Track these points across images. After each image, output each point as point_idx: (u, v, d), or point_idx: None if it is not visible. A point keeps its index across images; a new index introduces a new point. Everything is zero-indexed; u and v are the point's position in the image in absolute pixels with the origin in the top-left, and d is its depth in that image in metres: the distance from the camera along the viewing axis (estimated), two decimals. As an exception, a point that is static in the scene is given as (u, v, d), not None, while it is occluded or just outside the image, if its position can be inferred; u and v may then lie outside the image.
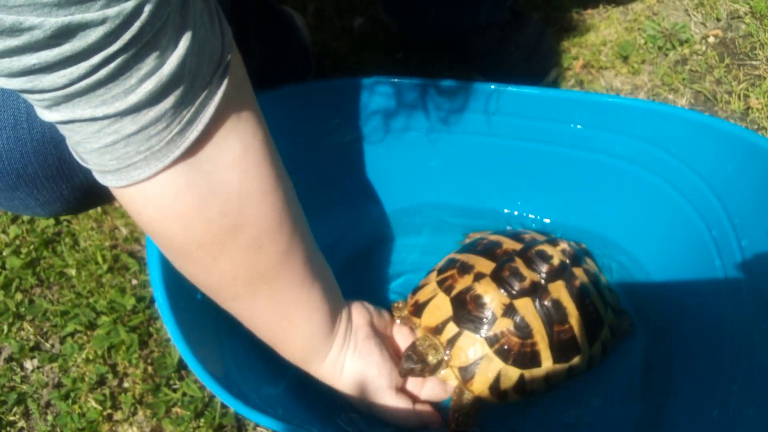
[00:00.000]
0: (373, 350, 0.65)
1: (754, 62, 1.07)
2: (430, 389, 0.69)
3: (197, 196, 0.46)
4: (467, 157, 0.82)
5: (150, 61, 0.38)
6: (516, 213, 0.85)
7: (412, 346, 0.66)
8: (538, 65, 1.02)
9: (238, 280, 0.53)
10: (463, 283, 0.69)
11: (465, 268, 0.71)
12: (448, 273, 0.72)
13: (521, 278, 0.67)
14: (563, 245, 0.72)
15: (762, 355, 0.56)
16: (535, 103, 0.73)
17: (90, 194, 0.62)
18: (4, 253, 0.98)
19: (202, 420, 0.81)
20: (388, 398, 0.65)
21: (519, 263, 0.68)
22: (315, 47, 1.10)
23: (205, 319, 0.65)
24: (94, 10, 0.34)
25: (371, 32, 1.14)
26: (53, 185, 0.58)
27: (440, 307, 0.69)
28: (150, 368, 0.86)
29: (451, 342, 0.66)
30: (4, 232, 1.01)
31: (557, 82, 1.05)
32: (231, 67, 0.45)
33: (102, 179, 0.45)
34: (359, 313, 0.67)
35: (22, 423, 0.85)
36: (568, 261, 0.70)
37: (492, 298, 0.66)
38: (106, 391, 0.85)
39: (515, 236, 0.74)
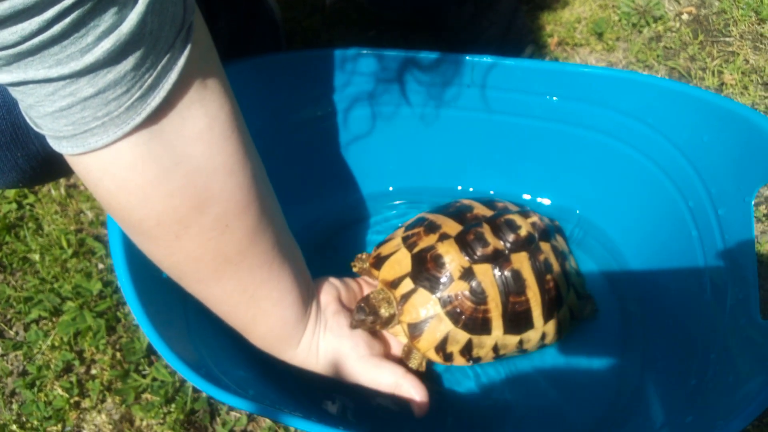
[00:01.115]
0: (343, 324, 0.63)
1: (727, 39, 1.06)
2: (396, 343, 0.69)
3: (157, 168, 0.44)
4: (441, 133, 0.80)
5: (107, 18, 0.36)
6: (492, 192, 0.84)
7: (366, 298, 0.65)
8: (513, 42, 1.00)
9: (201, 261, 0.51)
10: (426, 241, 0.68)
11: (431, 228, 0.70)
12: (415, 230, 0.71)
13: (485, 244, 0.66)
14: (534, 218, 0.71)
15: (739, 324, 0.56)
16: (510, 75, 0.71)
17: (48, 164, 0.59)
18: (-36, 239, 0.94)
19: (173, 405, 0.79)
20: (367, 367, 0.63)
21: (485, 229, 0.67)
22: (286, 25, 1.07)
23: (172, 300, 0.63)
24: None
25: (343, 9, 1.11)
26: (7, 153, 0.55)
27: (400, 262, 0.68)
28: (118, 354, 0.84)
29: (405, 297, 0.66)
30: (-37, 217, 0.97)
31: (532, 59, 1.04)
32: (195, 33, 0.42)
33: (57, 146, 0.43)
34: (326, 290, 0.65)
35: (-16, 413, 0.82)
36: (536, 234, 0.69)
37: (452, 259, 0.66)
38: (73, 379, 0.82)
39: (488, 203, 0.73)
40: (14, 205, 0.97)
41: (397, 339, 0.70)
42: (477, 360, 0.66)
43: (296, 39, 1.08)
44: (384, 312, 0.65)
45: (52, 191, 0.98)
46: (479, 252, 0.66)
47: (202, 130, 0.45)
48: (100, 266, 0.91)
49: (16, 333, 0.88)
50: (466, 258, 0.66)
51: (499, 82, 0.72)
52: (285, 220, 0.59)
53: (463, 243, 0.67)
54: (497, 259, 0.66)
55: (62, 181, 0.99)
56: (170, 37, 0.40)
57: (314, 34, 1.09)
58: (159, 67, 0.40)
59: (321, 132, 0.81)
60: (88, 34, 0.36)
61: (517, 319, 0.66)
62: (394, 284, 0.67)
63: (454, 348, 0.65)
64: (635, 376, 0.67)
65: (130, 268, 0.56)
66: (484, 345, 0.65)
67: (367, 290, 0.72)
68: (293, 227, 0.61)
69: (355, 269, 0.74)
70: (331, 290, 0.66)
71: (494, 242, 0.66)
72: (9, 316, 0.89)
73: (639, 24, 1.08)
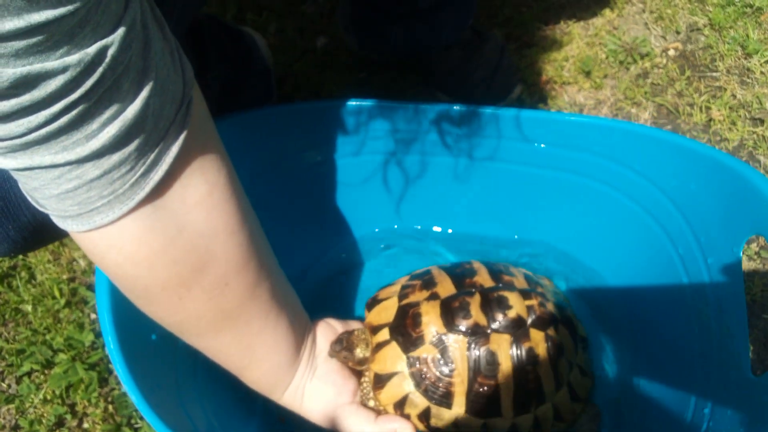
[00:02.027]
0: (332, 369, 0.64)
1: (714, 74, 1.08)
2: None
3: (162, 237, 0.45)
4: (433, 179, 0.80)
5: (112, 106, 0.37)
6: (481, 234, 0.84)
7: (349, 333, 0.66)
8: (501, 82, 1.01)
9: (203, 319, 0.52)
10: (416, 296, 0.69)
11: (428, 284, 0.70)
12: (414, 282, 0.71)
13: (467, 315, 0.64)
14: (533, 302, 0.67)
15: (730, 379, 0.55)
16: (498, 123, 0.72)
17: (39, 233, 0.59)
18: (-44, 291, 0.94)
19: (167, 460, 0.78)
20: (352, 415, 0.63)
21: (474, 300, 0.66)
22: (277, 68, 1.08)
23: (161, 360, 0.63)
24: (54, 58, 0.32)
25: (334, 52, 1.12)
26: None
27: (387, 310, 0.69)
28: (110, 407, 0.83)
29: (379, 346, 0.66)
30: (-45, 268, 0.96)
31: (521, 98, 1.05)
32: (193, 103, 0.43)
33: (62, 224, 0.43)
34: (323, 334, 0.65)
35: (-24, 470, 0.81)
36: (528, 320, 0.66)
37: (429, 322, 0.65)
38: (65, 433, 0.82)
39: (497, 273, 0.70)
40: (6, 255, 0.97)
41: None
42: (436, 429, 0.64)
43: (287, 82, 1.09)
44: (359, 353, 0.65)
45: (45, 240, 0.98)
46: (458, 322, 0.64)
47: (203, 197, 0.46)
48: (92, 316, 0.91)
49: (8, 386, 0.87)
50: (444, 324, 0.65)
51: (488, 131, 0.73)
52: (280, 268, 0.59)
53: (447, 309, 0.66)
54: (475, 334, 0.64)
55: (55, 229, 0.99)
56: (171, 115, 0.41)
57: (305, 77, 1.10)
58: (161, 144, 0.41)
59: (314, 179, 0.81)
60: (93, 122, 0.36)
61: (481, 402, 0.63)
62: (375, 330, 0.68)
63: (411, 411, 0.64)
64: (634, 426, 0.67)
65: (117, 332, 0.56)
66: (443, 418, 0.64)
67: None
68: (291, 273, 0.61)
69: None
70: (329, 334, 0.66)
71: (477, 316, 0.65)
72: (1, 369, 0.88)
73: (626, 61, 1.09)
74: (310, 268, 0.85)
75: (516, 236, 0.83)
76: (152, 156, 0.41)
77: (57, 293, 0.92)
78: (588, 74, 1.07)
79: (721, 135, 1.01)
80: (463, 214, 0.84)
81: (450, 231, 0.87)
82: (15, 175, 0.40)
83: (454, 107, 0.73)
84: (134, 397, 0.52)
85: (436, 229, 0.87)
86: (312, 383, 0.62)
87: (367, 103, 0.74)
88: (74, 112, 0.35)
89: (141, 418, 0.82)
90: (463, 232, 0.85)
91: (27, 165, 0.37)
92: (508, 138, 0.74)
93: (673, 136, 0.66)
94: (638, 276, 0.73)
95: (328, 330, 0.66)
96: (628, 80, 1.07)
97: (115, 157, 0.39)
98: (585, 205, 0.76)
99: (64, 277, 0.95)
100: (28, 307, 0.92)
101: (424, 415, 0.64)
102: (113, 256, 0.45)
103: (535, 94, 1.06)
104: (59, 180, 0.39)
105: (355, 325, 0.71)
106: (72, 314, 0.90)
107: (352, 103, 0.74)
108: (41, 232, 0.60)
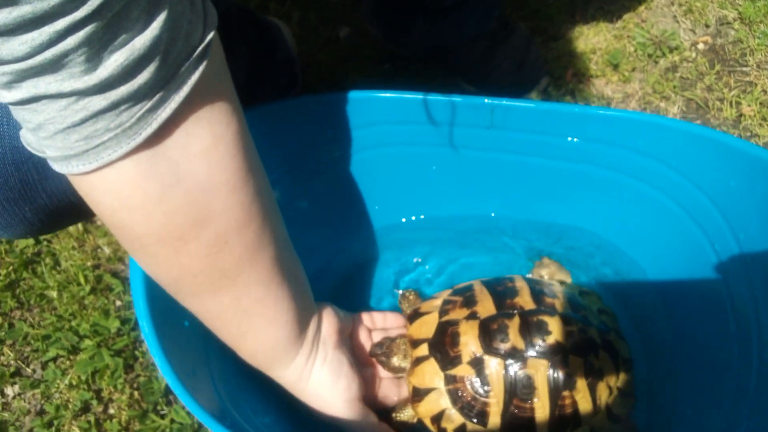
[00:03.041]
0: (343, 361, 0.63)
1: (744, 68, 1.06)
2: (385, 388, 0.69)
3: (159, 185, 0.43)
4: (460, 173, 0.80)
5: (120, 33, 0.36)
6: (512, 229, 0.84)
7: (392, 340, 0.68)
8: (528, 75, 1.00)
9: (199, 277, 0.50)
10: (456, 314, 0.69)
11: (469, 302, 0.70)
12: (456, 298, 0.72)
13: (504, 338, 0.64)
14: (574, 328, 0.66)
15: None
16: (531, 117, 0.71)
17: (55, 216, 0.59)
18: (-18, 276, 0.94)
19: (192, 447, 0.78)
20: (354, 410, 0.63)
21: (513, 323, 0.65)
22: (300, 58, 1.07)
23: (193, 347, 0.63)
24: None
25: (357, 43, 1.12)
26: (15, 208, 0.55)
27: (428, 325, 0.70)
28: (136, 393, 0.83)
29: (418, 361, 0.67)
30: (-19, 253, 0.97)
31: (548, 91, 1.04)
32: (211, 50, 0.42)
33: (65, 167, 0.42)
34: (330, 321, 0.64)
35: (2, 454, 0.82)
36: (568, 346, 0.65)
37: (467, 342, 0.66)
38: (91, 419, 0.82)
39: (539, 294, 0.70)
40: (31, 241, 0.98)
41: (400, 389, 0.70)
42: None
43: (310, 72, 1.08)
44: (396, 362, 0.68)
45: (70, 227, 0.98)
46: (496, 345, 0.64)
47: (207, 149, 0.45)
48: (118, 303, 0.91)
49: (33, 371, 0.88)
50: (482, 345, 0.65)
51: (520, 125, 0.72)
52: (289, 241, 0.58)
53: (485, 330, 0.66)
54: (512, 357, 0.64)
55: (79, 216, 0.99)
56: (184, 54, 0.40)
57: (329, 67, 1.09)
58: (172, 82, 0.40)
59: (337, 172, 0.81)
60: (100, 48, 0.35)
61: (516, 424, 0.64)
62: (415, 344, 0.69)
63: (448, 426, 0.65)
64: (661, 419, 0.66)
65: (152, 315, 0.56)
66: None
67: (376, 336, 0.72)
68: (309, 267, 0.61)
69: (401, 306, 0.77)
70: (335, 321, 0.65)
71: (515, 340, 0.64)
72: (26, 354, 0.89)
73: (655, 54, 1.07)
74: (333, 259, 0.85)
75: (548, 228, 0.82)
76: (161, 93, 0.40)
77: (82, 280, 0.92)
78: (616, 67, 1.06)
79: (751, 131, 0.99)
80: (490, 206, 0.83)
81: (475, 222, 0.86)
82: (20, 112, 0.39)
83: (484, 99, 0.72)
84: (169, 378, 0.52)
85: (460, 220, 0.86)
86: (323, 369, 0.61)
87: (391, 94, 0.73)
88: (80, 33, 0.34)
89: (167, 404, 0.82)
90: (490, 223, 0.84)
91: (32, 94, 0.36)
92: (539, 132, 0.73)
93: (711, 131, 0.65)
94: (674, 274, 0.72)
95: (333, 316, 0.65)
96: (656, 74, 1.06)
97: (123, 89, 0.38)
98: (618, 201, 0.75)
99: (89, 263, 0.95)
100: (53, 293, 0.92)
101: (461, 430, 0.65)
102: (109, 201, 0.44)
103: (562, 87, 1.05)
104: (65, 112, 0.38)
105: (352, 317, 0.71)
106: (97, 301, 0.91)
107: (376, 94, 0.73)
108: (57, 215, 0.59)
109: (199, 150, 0.44)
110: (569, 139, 0.72)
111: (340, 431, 0.64)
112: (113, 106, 0.38)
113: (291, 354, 0.60)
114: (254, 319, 0.56)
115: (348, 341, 0.67)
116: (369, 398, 0.66)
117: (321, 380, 0.61)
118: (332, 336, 0.63)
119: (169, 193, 0.44)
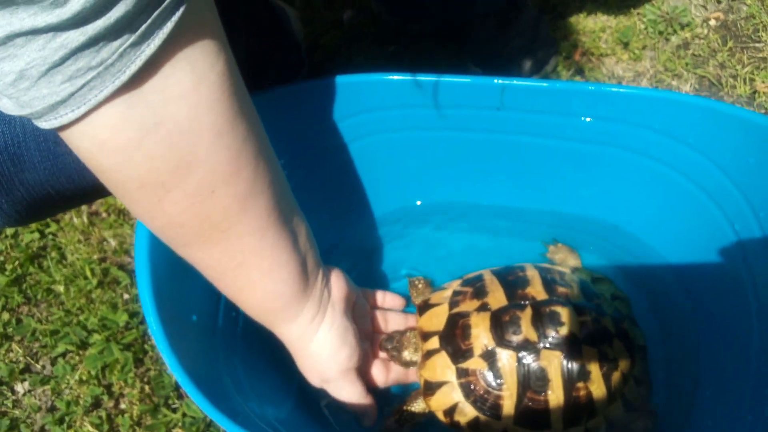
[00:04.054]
0: (349, 329, 0.62)
1: (757, 44, 1.03)
2: (395, 373, 0.69)
3: (137, 128, 0.42)
4: (470, 157, 0.78)
5: None
6: (523, 215, 0.82)
7: (401, 333, 0.68)
8: (538, 54, 0.98)
9: (186, 226, 0.49)
10: (467, 306, 0.68)
11: (479, 293, 0.68)
12: (465, 288, 0.70)
13: (516, 330, 0.63)
14: (587, 318, 0.64)
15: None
16: (543, 97, 0.69)
17: (33, 208, 0.58)
18: (-12, 271, 0.94)
19: (205, 440, 0.78)
20: (349, 379, 0.63)
21: (525, 314, 0.64)
22: (304, 41, 1.05)
23: (201, 342, 0.61)
24: None
25: (362, 25, 1.10)
26: None
27: (438, 317, 0.69)
28: (147, 387, 0.82)
29: (429, 354, 0.67)
30: (-14, 248, 0.96)
31: (557, 71, 1.01)
32: None
33: (53, 118, 0.40)
34: (339, 285, 0.63)
35: (14, 450, 0.81)
36: (581, 336, 0.64)
37: (479, 335, 0.65)
38: (103, 414, 0.81)
39: (551, 283, 0.68)
40: (36, 235, 0.97)
41: (408, 373, 0.70)
42: None
43: (315, 55, 1.06)
44: (407, 356, 0.67)
45: (75, 219, 0.97)
46: (508, 337, 0.63)
47: (187, 90, 0.42)
48: (125, 296, 0.90)
49: (43, 367, 0.87)
50: (494, 338, 0.64)
51: (531, 105, 0.70)
52: (288, 191, 0.56)
53: (497, 322, 0.65)
54: (525, 349, 0.63)
55: (84, 209, 0.98)
56: None
57: (333, 50, 1.07)
58: (154, 16, 0.38)
59: (346, 157, 0.79)
60: None
61: (530, 416, 0.63)
62: (425, 336, 0.68)
63: (461, 419, 0.64)
64: (681, 416, 0.65)
65: (158, 310, 0.55)
66: (492, 427, 0.64)
67: (383, 321, 0.72)
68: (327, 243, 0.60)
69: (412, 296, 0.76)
70: (343, 286, 0.63)
71: (527, 332, 0.63)
72: (35, 350, 0.88)
73: (666, 32, 1.05)
74: (340, 243, 0.83)
75: (559, 211, 0.81)
76: (143, 28, 0.38)
77: (89, 273, 0.91)
78: (626, 45, 1.04)
79: (765, 107, 0.97)
80: (500, 190, 0.81)
81: (484, 206, 0.84)
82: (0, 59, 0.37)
83: (494, 79, 0.70)
84: (178, 375, 0.51)
85: (470, 206, 0.84)
86: (329, 334, 0.60)
87: (398, 76, 0.71)
88: None
89: (179, 398, 0.81)
90: (500, 206, 0.83)
91: (7, 32, 0.35)
92: (550, 113, 0.71)
93: (729, 107, 0.63)
94: (692, 255, 0.71)
95: (342, 281, 0.63)
96: (668, 51, 1.03)
97: (100, 23, 0.36)
98: (633, 182, 0.73)
99: (95, 257, 0.94)
100: (60, 288, 0.91)
101: (474, 423, 0.64)
102: (86, 144, 0.42)
103: (572, 67, 1.02)
104: (44, 52, 0.36)
105: (370, 295, 0.72)
106: (105, 294, 0.90)
107: (383, 77, 0.71)
108: (36, 207, 0.58)
109: (178, 92, 0.42)
110: (583, 119, 0.70)
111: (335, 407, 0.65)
112: (92, 42, 0.37)
113: (294, 309, 0.58)
114: (250, 271, 0.54)
115: (351, 310, 0.66)
116: (361, 372, 0.66)
117: (325, 344, 0.60)
118: (341, 302, 0.62)
119: (148, 137, 0.42)
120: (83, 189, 0.59)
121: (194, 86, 0.43)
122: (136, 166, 0.44)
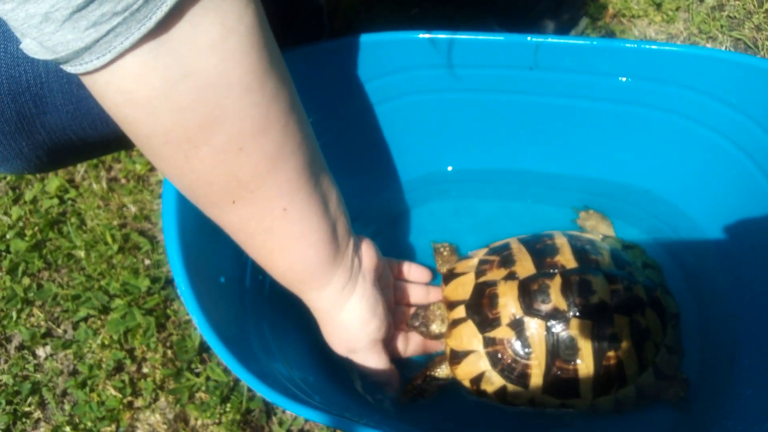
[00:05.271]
0: (379, 301, 0.61)
1: (795, 5, 1.00)
2: (414, 344, 0.69)
3: (163, 78, 0.40)
4: (501, 120, 0.76)
5: None
6: (554, 181, 0.80)
7: (425, 308, 0.68)
8: (566, 15, 0.95)
9: (214, 185, 0.48)
10: (494, 275, 0.66)
11: (506, 261, 0.67)
12: (492, 257, 0.69)
13: (546, 299, 0.62)
14: (619, 286, 0.63)
15: None
16: (579, 55, 0.66)
17: (53, 154, 0.56)
18: (8, 236, 0.93)
19: (228, 405, 0.77)
20: (376, 350, 0.63)
21: (555, 283, 0.63)
22: (326, 4, 1.03)
23: (228, 303, 0.60)
24: None
25: (384, -13, 1.07)
26: (11, 141, 0.53)
27: (464, 286, 0.68)
28: (170, 352, 0.82)
29: (455, 323, 0.66)
30: (6, 213, 0.95)
31: (586, 33, 0.98)
32: None
33: (78, 64, 0.39)
34: (370, 255, 0.61)
35: (38, 413, 0.81)
36: (612, 305, 0.62)
37: (506, 303, 0.63)
38: (125, 378, 0.81)
39: (581, 251, 0.66)
40: (56, 200, 0.96)
41: (428, 344, 0.70)
42: (512, 405, 0.64)
43: (335, 19, 1.04)
44: (435, 328, 0.67)
45: (94, 185, 0.96)
46: (537, 306, 0.62)
47: (216, 41, 0.41)
48: (147, 262, 0.89)
49: (65, 331, 0.87)
50: (522, 307, 0.63)
51: (565, 64, 0.67)
52: (320, 154, 0.54)
53: (525, 290, 0.63)
54: (554, 317, 0.61)
55: (103, 174, 0.97)
56: None
57: (355, 13, 1.04)
58: None
59: (372, 120, 0.77)
60: None
61: (559, 384, 0.62)
62: (451, 305, 0.67)
63: (488, 387, 0.64)
64: (717, 385, 0.63)
65: (188, 272, 0.54)
66: (519, 396, 0.63)
67: (413, 294, 0.71)
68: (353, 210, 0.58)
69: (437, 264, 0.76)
70: (375, 257, 0.62)
71: (557, 300, 0.62)
72: (56, 315, 0.88)
73: (699, -8, 1.01)
74: (366, 208, 0.81)
75: (591, 177, 0.78)
76: None
77: (109, 239, 0.90)
78: (659, 6, 1.00)
79: (804, 71, 0.94)
80: (530, 154, 0.79)
81: (514, 172, 0.82)
82: (23, 7, 0.36)
83: (527, 37, 0.67)
84: (207, 335, 0.50)
85: (499, 172, 0.82)
86: (360, 304, 0.59)
87: (426, 35, 0.69)
88: None
89: (201, 363, 0.80)
90: (531, 171, 0.80)
91: None
92: (585, 72, 0.69)
93: (777, 64, 0.60)
94: (729, 219, 0.69)
95: (373, 252, 0.62)
96: (702, 13, 1.00)
97: None
98: (670, 145, 0.71)
99: (115, 222, 0.93)
100: (81, 253, 0.91)
101: (501, 392, 0.63)
102: (111, 94, 0.41)
103: (602, 29, 0.99)
104: None
105: (386, 262, 0.69)
106: (126, 260, 0.89)
107: (410, 35, 0.69)
108: (56, 153, 0.57)
109: (207, 43, 0.40)
110: (620, 78, 0.67)
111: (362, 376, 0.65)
112: None
113: (325, 277, 0.57)
114: (279, 235, 0.52)
115: (380, 282, 0.64)
116: (385, 343, 0.65)
117: (355, 314, 0.59)
118: (371, 272, 0.61)
119: (175, 89, 0.41)
120: (106, 137, 0.57)
121: (222, 38, 0.41)
122: (161, 119, 0.42)
